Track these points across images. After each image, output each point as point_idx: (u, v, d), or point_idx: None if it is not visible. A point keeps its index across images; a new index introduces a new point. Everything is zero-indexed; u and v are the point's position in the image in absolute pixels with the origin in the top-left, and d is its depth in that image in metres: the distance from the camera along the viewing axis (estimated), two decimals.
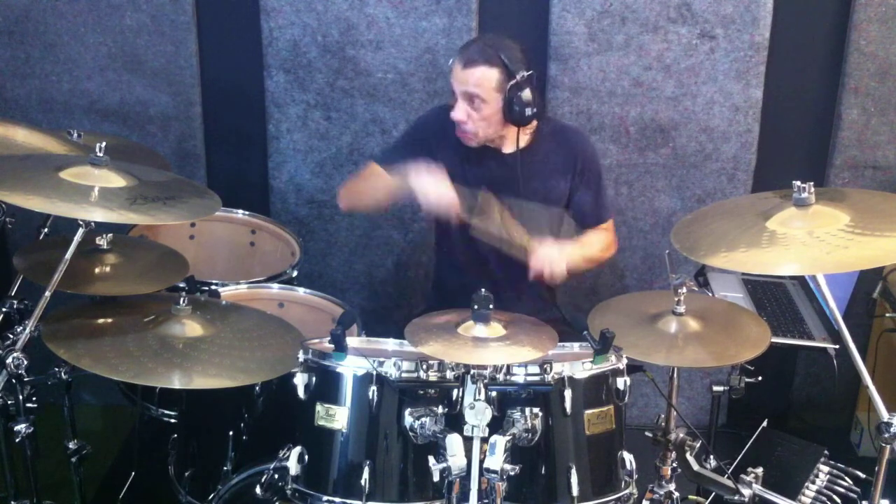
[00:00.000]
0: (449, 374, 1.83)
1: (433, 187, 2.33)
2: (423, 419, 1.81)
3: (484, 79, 2.33)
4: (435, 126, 2.54)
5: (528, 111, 2.36)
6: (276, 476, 1.92)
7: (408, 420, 1.82)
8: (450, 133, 2.48)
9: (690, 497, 2.39)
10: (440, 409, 1.82)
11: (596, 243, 2.56)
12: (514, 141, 2.48)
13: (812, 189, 1.88)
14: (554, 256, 2.33)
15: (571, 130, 2.63)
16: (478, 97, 2.35)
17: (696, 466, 2.22)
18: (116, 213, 1.85)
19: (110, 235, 2.24)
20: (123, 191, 1.95)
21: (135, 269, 2.25)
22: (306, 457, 1.88)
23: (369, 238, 3.24)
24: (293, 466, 1.87)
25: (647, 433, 2.24)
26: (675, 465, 2.22)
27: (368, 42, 3.02)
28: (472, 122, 2.38)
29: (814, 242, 1.78)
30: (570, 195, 2.55)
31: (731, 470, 2.22)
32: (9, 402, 2.04)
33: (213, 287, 2.43)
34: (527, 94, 2.35)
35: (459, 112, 2.38)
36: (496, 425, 1.78)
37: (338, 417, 1.85)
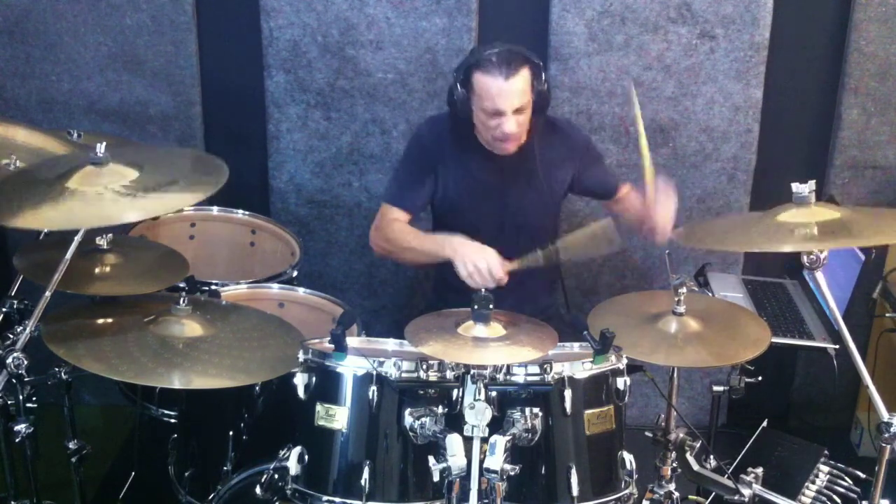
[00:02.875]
0: (449, 374, 1.84)
1: (479, 258, 2.28)
2: (423, 419, 1.81)
3: (525, 82, 2.32)
4: (432, 139, 2.54)
5: (549, 95, 2.40)
6: (276, 476, 1.92)
7: (408, 420, 1.82)
8: (449, 144, 2.48)
9: (690, 497, 2.39)
10: (440, 409, 1.82)
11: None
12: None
13: (813, 188, 1.89)
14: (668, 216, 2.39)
15: (562, 123, 2.65)
16: (524, 102, 2.33)
17: (696, 466, 2.22)
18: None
19: (110, 235, 2.24)
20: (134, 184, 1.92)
21: (135, 269, 2.24)
22: (306, 457, 1.88)
23: (369, 238, 3.24)
24: (293, 466, 1.87)
25: (647, 433, 2.24)
26: (675, 465, 2.22)
27: (368, 42, 3.02)
28: (521, 128, 2.36)
29: None
30: (576, 182, 2.59)
31: (731, 470, 2.22)
32: (9, 402, 2.04)
33: (213, 287, 2.43)
34: (547, 83, 2.38)
35: (512, 125, 2.32)
36: (496, 425, 1.78)
37: (338, 417, 1.85)
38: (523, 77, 2.31)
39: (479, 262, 2.27)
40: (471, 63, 2.34)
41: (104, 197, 1.86)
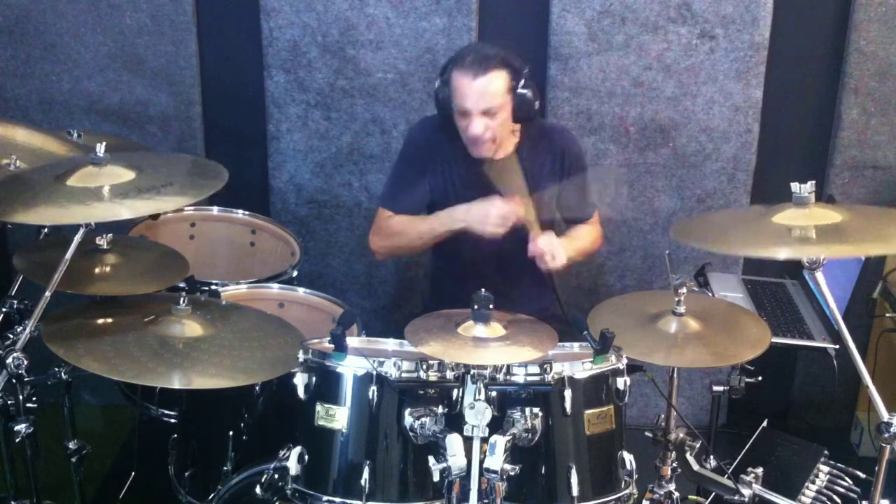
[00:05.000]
0: (449, 374, 1.83)
1: (490, 213, 2.33)
2: (423, 419, 1.80)
3: (498, 85, 2.30)
4: (423, 140, 2.54)
5: (535, 105, 2.38)
6: (276, 476, 1.93)
7: (408, 420, 1.82)
8: (440, 145, 2.48)
9: (690, 497, 2.39)
10: (440, 409, 1.82)
11: (586, 236, 2.62)
12: (504, 145, 2.48)
13: (812, 188, 1.88)
14: (555, 243, 2.37)
15: (557, 130, 2.65)
16: (493, 105, 2.31)
17: (696, 466, 2.22)
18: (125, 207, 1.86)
19: (110, 235, 2.23)
20: (132, 183, 1.94)
21: (135, 269, 2.24)
22: (306, 457, 1.88)
23: (370, 243, 3.24)
24: (293, 466, 1.87)
25: (647, 433, 2.24)
26: (675, 465, 2.22)
27: (368, 42, 3.02)
28: (490, 132, 2.35)
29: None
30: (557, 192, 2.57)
31: (731, 470, 2.22)
32: (9, 402, 2.04)
33: (213, 287, 2.43)
34: (530, 89, 2.36)
35: (478, 126, 2.32)
36: (496, 425, 1.77)
37: (338, 417, 1.85)
38: (496, 79, 2.29)
39: (493, 217, 2.32)
40: (451, 60, 2.37)
41: (102, 194, 1.87)
